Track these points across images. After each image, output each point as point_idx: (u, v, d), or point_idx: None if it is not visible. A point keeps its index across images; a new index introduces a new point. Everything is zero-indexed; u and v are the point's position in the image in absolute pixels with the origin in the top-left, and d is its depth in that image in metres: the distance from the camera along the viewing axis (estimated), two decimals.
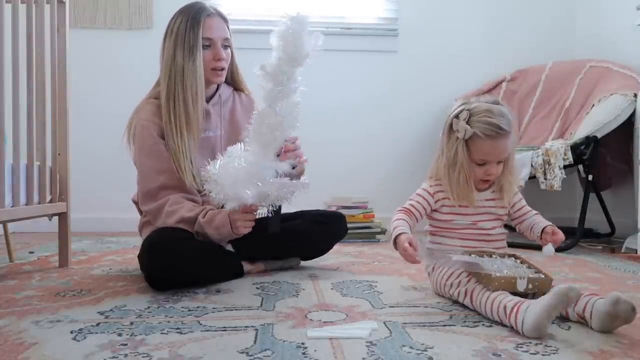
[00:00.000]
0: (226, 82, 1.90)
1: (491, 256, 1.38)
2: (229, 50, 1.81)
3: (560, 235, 1.40)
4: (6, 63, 1.66)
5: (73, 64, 2.04)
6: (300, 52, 1.50)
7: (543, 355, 1.02)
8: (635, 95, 2.43)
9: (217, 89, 1.86)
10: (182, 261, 1.53)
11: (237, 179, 1.49)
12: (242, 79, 1.93)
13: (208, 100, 1.82)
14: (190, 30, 1.71)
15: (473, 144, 1.38)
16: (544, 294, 1.14)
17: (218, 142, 1.82)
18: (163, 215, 1.65)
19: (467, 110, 1.38)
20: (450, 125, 1.41)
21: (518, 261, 1.38)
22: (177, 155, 1.68)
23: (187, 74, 1.70)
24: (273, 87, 1.52)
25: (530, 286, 1.25)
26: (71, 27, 2.06)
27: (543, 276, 1.28)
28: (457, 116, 1.40)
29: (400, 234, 1.36)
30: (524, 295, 1.24)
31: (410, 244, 1.31)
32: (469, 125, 1.37)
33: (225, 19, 1.81)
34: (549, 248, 1.39)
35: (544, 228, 1.44)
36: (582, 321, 1.19)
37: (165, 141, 1.70)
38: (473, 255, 1.33)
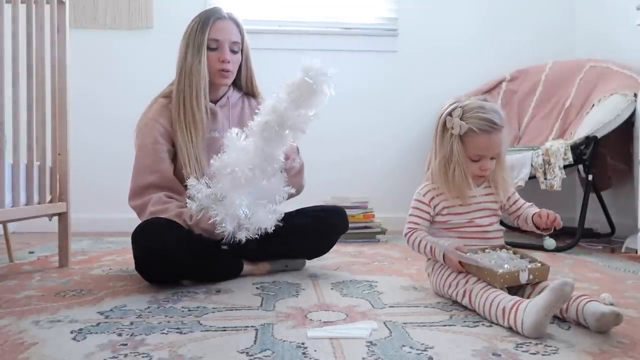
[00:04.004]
0: (239, 88, 1.92)
1: (484, 251, 1.40)
2: (238, 55, 1.82)
3: (551, 216, 1.39)
4: (6, 63, 1.66)
5: (73, 64, 2.03)
6: (312, 102, 1.55)
7: (543, 355, 1.02)
8: (635, 95, 2.43)
9: (227, 91, 1.88)
10: (164, 244, 1.52)
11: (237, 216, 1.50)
12: (257, 87, 1.94)
13: (216, 101, 1.84)
14: (199, 31, 1.76)
15: (468, 139, 1.39)
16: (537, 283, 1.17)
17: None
18: (147, 213, 1.67)
19: (460, 107, 1.40)
20: (444, 124, 1.43)
21: (510, 252, 1.40)
22: (184, 151, 1.72)
23: (194, 73, 1.75)
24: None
25: (531, 277, 1.28)
26: (71, 27, 2.06)
27: (540, 265, 1.31)
28: (450, 114, 1.41)
29: (444, 246, 1.37)
30: (523, 287, 1.26)
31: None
32: (463, 121, 1.38)
33: (237, 24, 1.82)
34: (548, 242, 1.40)
35: (534, 214, 1.44)
36: (580, 324, 1.19)
37: (175, 138, 1.75)
38: (468, 254, 1.34)
